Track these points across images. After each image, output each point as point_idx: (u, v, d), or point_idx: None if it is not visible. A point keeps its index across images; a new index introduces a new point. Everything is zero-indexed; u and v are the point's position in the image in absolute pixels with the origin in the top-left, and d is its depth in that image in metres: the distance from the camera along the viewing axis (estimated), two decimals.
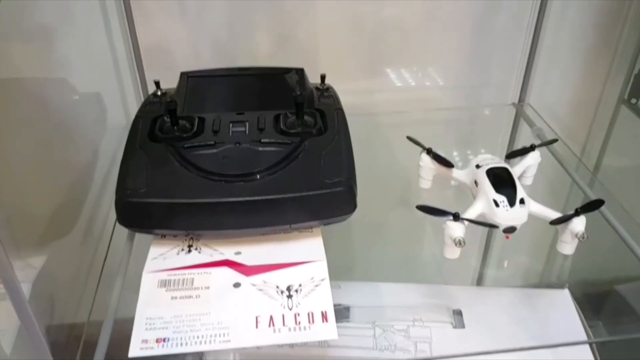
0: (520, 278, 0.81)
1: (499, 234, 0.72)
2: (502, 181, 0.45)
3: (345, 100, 0.61)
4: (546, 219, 0.44)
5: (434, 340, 0.54)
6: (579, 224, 0.43)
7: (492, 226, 0.42)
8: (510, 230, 0.43)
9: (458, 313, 0.56)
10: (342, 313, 0.57)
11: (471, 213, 0.43)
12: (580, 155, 0.78)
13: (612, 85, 0.72)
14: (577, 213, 0.43)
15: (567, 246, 0.45)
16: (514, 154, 0.50)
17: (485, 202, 0.43)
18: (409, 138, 0.56)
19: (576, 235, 0.43)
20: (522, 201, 0.43)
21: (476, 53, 0.73)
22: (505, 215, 0.42)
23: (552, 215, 0.45)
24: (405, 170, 0.64)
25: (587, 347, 0.53)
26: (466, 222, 0.43)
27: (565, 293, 0.59)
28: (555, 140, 0.52)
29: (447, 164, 0.53)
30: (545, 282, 0.83)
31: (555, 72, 0.73)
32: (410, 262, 0.69)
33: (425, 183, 0.56)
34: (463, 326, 0.55)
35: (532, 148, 0.49)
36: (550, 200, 0.47)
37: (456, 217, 0.42)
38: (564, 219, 0.43)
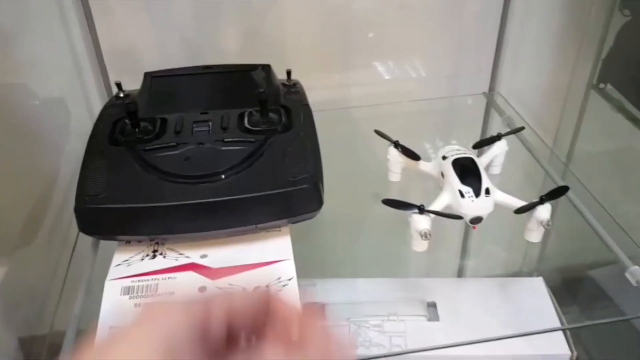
0: (500, 268, 0.82)
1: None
2: (468, 171, 0.44)
3: (318, 95, 0.60)
4: (512, 208, 0.44)
5: (409, 333, 0.54)
6: (543, 211, 0.43)
7: (457, 217, 0.42)
8: (476, 220, 0.42)
9: (432, 305, 0.56)
10: None
11: (437, 205, 0.43)
12: (552, 142, 0.78)
13: (580, 72, 0.72)
14: (542, 201, 0.43)
15: (534, 234, 0.45)
16: (481, 144, 0.50)
17: (451, 193, 0.43)
18: (377, 132, 0.56)
19: (541, 222, 0.43)
20: (487, 191, 0.43)
21: (447, 43, 0.72)
22: (471, 205, 0.42)
23: (517, 204, 0.44)
24: (377, 164, 0.64)
25: (560, 333, 0.54)
26: (432, 215, 0.42)
27: (539, 281, 0.59)
28: (522, 128, 0.51)
29: (413, 156, 0.52)
30: (522, 271, 0.83)
31: (524, 60, 0.73)
32: (385, 257, 0.68)
33: (394, 176, 0.56)
34: (437, 319, 0.55)
35: (498, 137, 0.49)
36: (522, 189, 0.47)
37: (421, 209, 0.41)
38: (528, 208, 0.43)
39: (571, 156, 0.77)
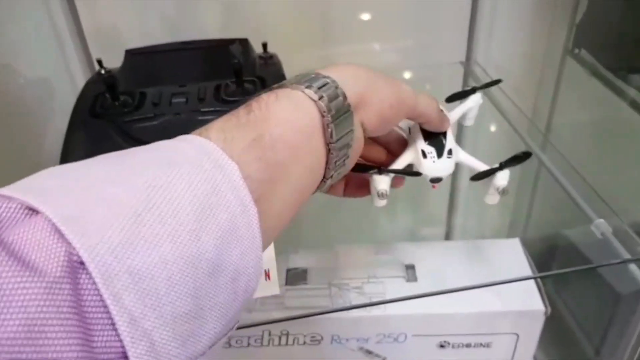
0: (482, 233, 0.84)
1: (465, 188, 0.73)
2: (434, 132, 0.43)
3: (297, 70, 0.61)
4: (473, 171, 0.44)
5: (388, 294, 0.55)
6: (501, 178, 0.42)
7: (416, 174, 0.42)
8: (436, 180, 0.42)
9: (411, 267, 0.58)
10: (299, 276, 0.59)
11: (399, 163, 0.42)
12: (531, 109, 0.79)
13: (556, 37, 0.73)
14: (500, 167, 0.42)
15: (491, 197, 0.44)
16: (455, 97, 0.48)
17: (414, 153, 0.42)
18: None
19: (497, 189, 0.42)
20: (450, 152, 0.42)
21: (422, 13, 0.73)
22: (432, 166, 0.41)
23: (480, 167, 0.44)
24: None
25: (535, 290, 0.55)
26: (391, 174, 0.42)
27: (516, 242, 0.60)
28: (499, 81, 0.50)
29: None
30: (507, 235, 0.85)
31: (500, 27, 0.73)
32: (366, 223, 0.70)
33: None
34: (415, 279, 0.57)
35: (473, 90, 0.47)
36: (499, 158, 0.46)
37: (380, 170, 0.41)
38: (487, 174, 0.43)
39: (550, 123, 0.78)
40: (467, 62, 0.74)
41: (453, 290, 0.48)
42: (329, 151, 0.32)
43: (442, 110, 0.42)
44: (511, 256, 0.59)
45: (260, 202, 0.27)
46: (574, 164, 0.59)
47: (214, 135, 0.28)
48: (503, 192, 0.42)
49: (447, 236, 0.85)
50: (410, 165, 0.43)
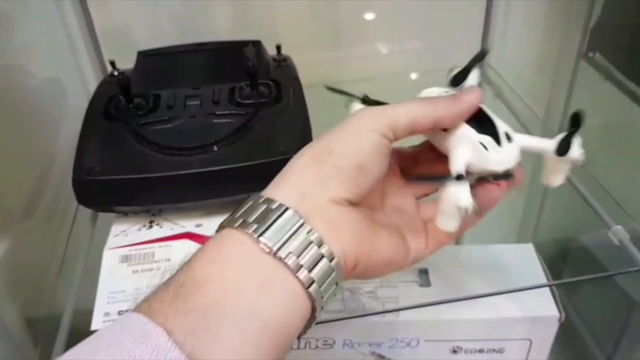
0: (495, 239, 0.83)
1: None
2: (476, 116, 0.33)
3: (309, 71, 0.61)
4: (541, 152, 0.35)
5: (401, 298, 0.55)
6: (577, 146, 0.34)
7: (507, 175, 0.32)
8: (506, 176, 0.33)
9: (424, 272, 0.58)
10: None
11: (458, 165, 0.32)
12: (544, 113, 0.79)
13: (570, 41, 0.72)
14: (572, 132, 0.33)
15: (559, 176, 0.36)
16: (459, 79, 0.38)
17: (469, 149, 0.32)
18: (329, 88, 0.41)
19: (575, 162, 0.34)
20: (507, 136, 0.33)
21: (437, 16, 0.73)
22: (499, 157, 0.32)
23: (547, 144, 0.34)
24: None
25: (549, 295, 0.55)
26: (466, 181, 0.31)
27: (530, 247, 0.60)
28: (484, 53, 0.43)
29: None
30: (517, 239, 0.85)
31: (514, 30, 0.73)
32: None
33: None
34: (429, 284, 0.57)
35: (469, 68, 0.38)
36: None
37: (459, 177, 0.31)
38: (566, 144, 0.33)
39: (563, 126, 0.78)
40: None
41: (467, 297, 0.47)
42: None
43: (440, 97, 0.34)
44: (525, 261, 0.58)
45: (197, 354, 0.24)
46: (588, 167, 0.58)
47: (143, 304, 0.26)
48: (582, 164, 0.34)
49: (457, 239, 0.85)
50: (470, 166, 0.33)
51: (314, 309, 0.28)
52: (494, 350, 0.57)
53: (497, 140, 0.33)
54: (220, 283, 0.26)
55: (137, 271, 0.44)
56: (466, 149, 0.32)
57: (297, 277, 0.27)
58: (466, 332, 0.56)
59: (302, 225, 0.28)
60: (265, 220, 0.27)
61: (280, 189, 0.30)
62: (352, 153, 0.30)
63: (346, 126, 0.31)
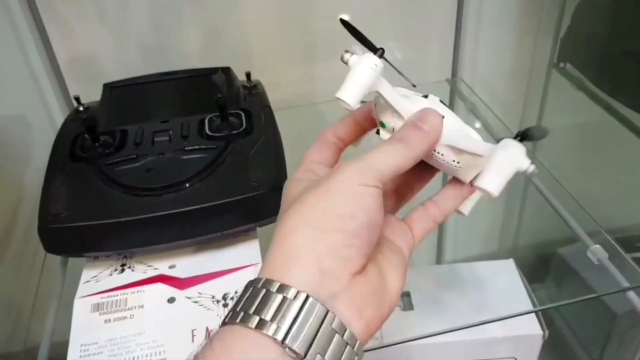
0: (475, 251, 0.83)
1: None
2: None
3: (283, 91, 0.59)
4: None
5: (385, 325, 0.54)
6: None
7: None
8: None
9: (407, 295, 0.57)
10: None
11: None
12: (518, 125, 0.79)
13: (541, 52, 0.73)
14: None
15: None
16: None
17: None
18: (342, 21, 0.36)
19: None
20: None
21: (407, 31, 0.72)
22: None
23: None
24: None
25: (533, 317, 0.55)
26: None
27: (510, 263, 0.60)
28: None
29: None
30: (498, 252, 0.85)
31: (484, 44, 0.73)
32: None
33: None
34: (412, 308, 0.56)
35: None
36: None
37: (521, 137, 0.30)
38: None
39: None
40: (453, 79, 0.73)
41: (453, 329, 0.47)
42: None
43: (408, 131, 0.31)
44: (506, 279, 0.58)
45: None
46: (562, 178, 0.58)
47: None
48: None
49: (438, 252, 0.85)
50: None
51: None
52: None
53: None
54: None
55: (109, 320, 0.42)
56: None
57: None
58: (452, 353, 0.55)
59: (325, 316, 0.25)
60: (285, 317, 0.24)
61: (290, 270, 0.26)
62: (360, 213, 0.27)
63: (336, 185, 0.28)
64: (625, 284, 0.45)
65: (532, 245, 0.78)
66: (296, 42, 0.72)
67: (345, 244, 0.27)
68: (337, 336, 0.25)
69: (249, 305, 0.25)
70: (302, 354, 0.24)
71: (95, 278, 0.46)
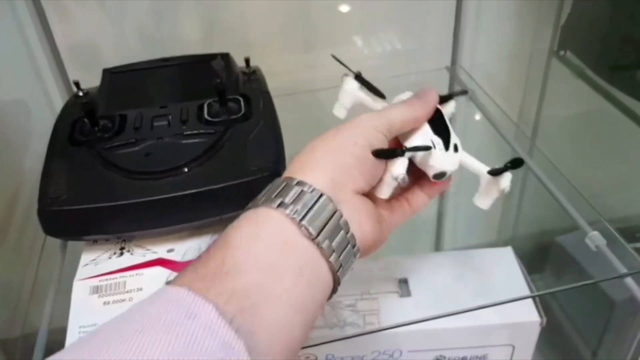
0: (474, 240, 0.84)
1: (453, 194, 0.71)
2: (437, 122, 0.39)
3: (282, 79, 0.59)
4: (476, 172, 0.41)
5: (382, 311, 0.55)
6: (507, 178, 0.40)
7: (427, 148, 0.37)
8: (440, 175, 0.39)
9: (404, 281, 0.57)
10: None
11: (409, 145, 0.38)
12: (518, 113, 0.79)
13: (541, 39, 0.72)
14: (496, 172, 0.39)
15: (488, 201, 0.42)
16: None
17: (423, 139, 0.38)
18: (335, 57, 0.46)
19: (502, 191, 0.40)
20: (455, 148, 0.39)
21: (407, 18, 0.72)
22: (441, 158, 0.38)
23: (482, 168, 0.40)
24: None
25: (530, 300, 0.55)
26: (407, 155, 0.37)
27: (508, 250, 0.60)
28: (464, 92, 0.52)
29: (378, 93, 0.44)
30: (497, 242, 0.85)
31: (484, 31, 0.73)
32: None
33: (341, 111, 0.45)
34: (409, 294, 0.56)
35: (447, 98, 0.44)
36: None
37: (402, 152, 0.36)
38: (499, 171, 0.39)
39: (537, 127, 0.78)
40: (453, 67, 0.73)
41: (450, 314, 0.47)
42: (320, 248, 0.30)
43: (411, 103, 0.38)
44: (504, 266, 0.58)
45: (244, 332, 0.25)
46: (562, 166, 0.58)
47: (182, 279, 0.28)
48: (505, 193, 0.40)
49: (437, 241, 0.85)
50: (414, 157, 0.39)
51: (334, 289, 0.31)
52: (477, 357, 0.57)
53: (447, 146, 0.39)
54: (261, 264, 0.27)
55: (108, 302, 0.42)
56: (421, 138, 0.39)
57: (329, 262, 0.29)
58: (449, 340, 0.56)
59: (335, 211, 0.30)
60: (303, 204, 0.30)
61: (308, 172, 0.32)
62: (369, 147, 0.34)
63: (354, 125, 0.35)
64: (624, 271, 0.45)
65: (531, 234, 0.78)
66: (295, 30, 0.72)
67: (355, 166, 0.33)
68: (342, 232, 0.30)
69: (271, 194, 0.31)
70: (315, 234, 0.29)
71: (94, 261, 0.46)
